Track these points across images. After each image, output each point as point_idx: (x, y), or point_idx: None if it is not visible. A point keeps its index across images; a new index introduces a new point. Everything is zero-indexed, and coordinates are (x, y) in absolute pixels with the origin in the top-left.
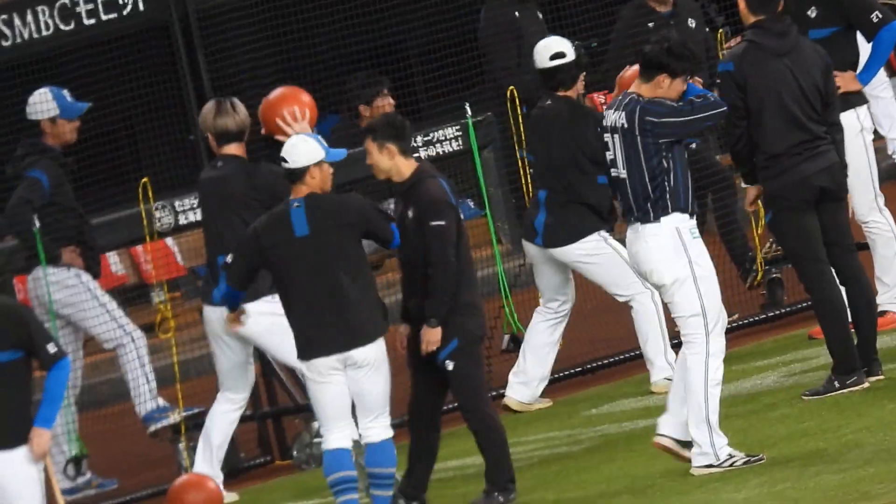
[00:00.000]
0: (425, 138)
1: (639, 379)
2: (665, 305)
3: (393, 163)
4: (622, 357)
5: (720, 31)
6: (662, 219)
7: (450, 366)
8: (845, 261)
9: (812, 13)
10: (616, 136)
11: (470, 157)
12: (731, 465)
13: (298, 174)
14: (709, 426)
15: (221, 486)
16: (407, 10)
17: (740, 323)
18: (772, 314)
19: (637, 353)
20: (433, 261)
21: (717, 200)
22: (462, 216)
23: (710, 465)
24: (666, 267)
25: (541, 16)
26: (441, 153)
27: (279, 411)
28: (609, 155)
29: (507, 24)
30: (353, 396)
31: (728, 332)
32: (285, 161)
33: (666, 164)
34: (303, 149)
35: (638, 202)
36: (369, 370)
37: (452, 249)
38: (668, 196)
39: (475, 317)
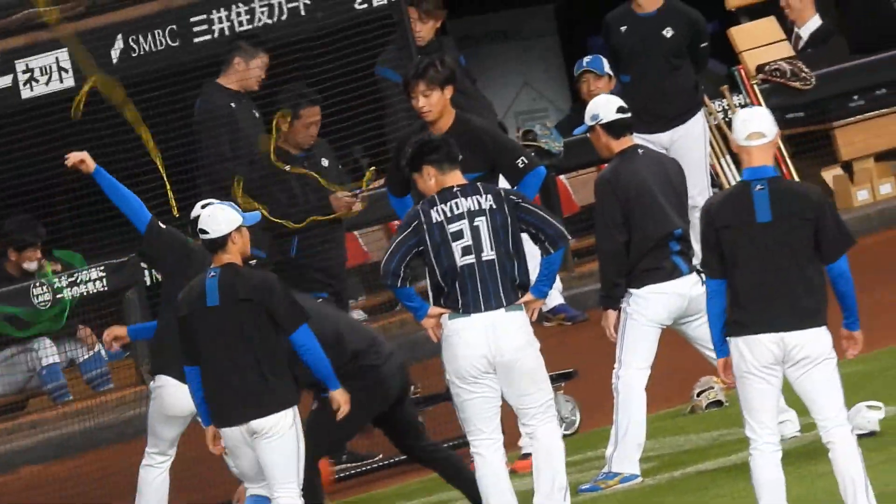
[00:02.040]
0: (70, 279)
1: None
2: None
3: None
4: None
5: (370, 170)
6: (521, 303)
7: None
8: None
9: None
10: (481, 218)
11: (114, 299)
12: None
13: (220, 242)
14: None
15: None
16: (54, 152)
17: (384, 463)
18: None
19: None
20: None
21: None
22: None
23: None
24: (537, 351)
25: (257, 115)
26: (86, 293)
27: None
28: (462, 242)
29: (223, 112)
30: (262, 465)
31: (372, 472)
32: (205, 232)
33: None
34: (222, 217)
35: (507, 286)
36: (271, 440)
37: None
38: (527, 279)
39: None
